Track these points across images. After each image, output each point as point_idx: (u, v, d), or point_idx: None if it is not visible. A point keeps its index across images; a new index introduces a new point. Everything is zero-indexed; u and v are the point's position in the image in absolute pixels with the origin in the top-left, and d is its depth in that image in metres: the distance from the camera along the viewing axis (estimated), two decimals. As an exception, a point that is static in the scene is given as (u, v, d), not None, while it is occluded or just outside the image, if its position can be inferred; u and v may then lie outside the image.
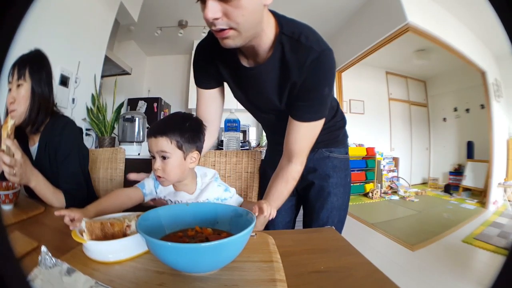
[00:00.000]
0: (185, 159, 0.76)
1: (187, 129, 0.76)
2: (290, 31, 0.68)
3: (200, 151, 0.80)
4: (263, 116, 0.89)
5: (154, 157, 0.77)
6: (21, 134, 0.93)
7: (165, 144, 0.73)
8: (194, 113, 0.88)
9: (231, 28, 0.59)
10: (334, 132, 0.92)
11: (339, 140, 0.95)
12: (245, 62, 0.75)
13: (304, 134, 0.75)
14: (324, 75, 0.70)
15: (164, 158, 0.74)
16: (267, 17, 0.66)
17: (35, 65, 0.91)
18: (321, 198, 0.91)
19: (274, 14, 0.70)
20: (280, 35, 0.68)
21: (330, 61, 0.69)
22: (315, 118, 0.73)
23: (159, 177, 0.76)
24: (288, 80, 0.71)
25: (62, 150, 0.92)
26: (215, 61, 0.80)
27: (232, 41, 0.62)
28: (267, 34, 0.68)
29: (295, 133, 0.75)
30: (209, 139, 0.95)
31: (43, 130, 0.94)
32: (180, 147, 0.74)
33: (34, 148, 0.95)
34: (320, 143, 0.86)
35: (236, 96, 0.87)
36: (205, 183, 0.82)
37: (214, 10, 0.56)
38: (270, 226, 0.90)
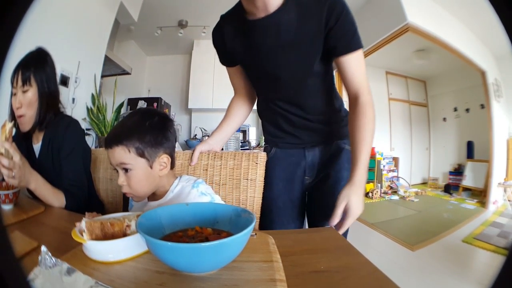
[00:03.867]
0: (151, 167, 0.64)
1: (146, 130, 0.64)
2: None
3: (170, 153, 0.68)
4: (284, 88, 0.82)
5: (117, 170, 0.65)
6: (24, 133, 0.94)
7: (123, 154, 0.61)
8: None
9: None
10: (346, 127, 0.88)
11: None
12: (254, 16, 0.71)
13: (358, 66, 0.74)
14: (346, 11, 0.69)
15: (126, 170, 0.63)
16: None
17: (39, 66, 0.91)
18: (335, 191, 0.81)
19: None
20: None
21: None
22: (359, 43, 0.72)
23: (126, 193, 0.65)
24: (313, 26, 0.69)
25: (65, 149, 0.92)
26: (228, 41, 0.79)
27: None
28: None
29: (350, 69, 0.73)
30: (243, 108, 0.95)
31: (47, 128, 0.94)
32: (141, 155, 0.62)
33: (37, 146, 0.95)
34: (336, 136, 0.88)
35: (252, 71, 0.86)
36: (179, 188, 0.69)
37: None
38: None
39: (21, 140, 0.94)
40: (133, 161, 0.62)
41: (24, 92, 0.88)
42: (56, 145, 0.92)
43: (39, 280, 0.31)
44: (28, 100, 0.88)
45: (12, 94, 0.89)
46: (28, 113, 0.89)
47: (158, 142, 0.65)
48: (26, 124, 0.90)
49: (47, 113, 0.92)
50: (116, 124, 0.68)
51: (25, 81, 0.87)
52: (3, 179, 0.75)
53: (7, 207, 0.75)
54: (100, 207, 1.08)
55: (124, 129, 0.65)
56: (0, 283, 0.20)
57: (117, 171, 0.65)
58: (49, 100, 0.92)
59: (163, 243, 0.35)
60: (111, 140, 0.63)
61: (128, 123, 0.67)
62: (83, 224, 0.46)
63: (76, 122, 0.99)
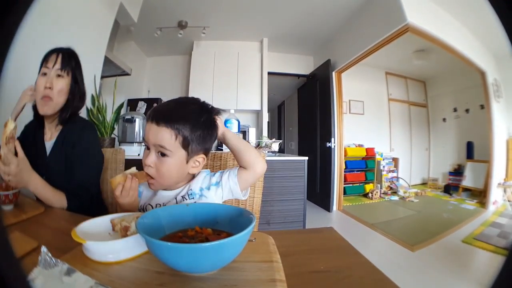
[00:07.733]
0: (187, 162, 0.61)
1: (200, 125, 0.60)
2: None
3: (207, 154, 0.65)
4: None
5: (148, 148, 0.60)
6: (38, 126, 0.95)
7: (168, 138, 0.57)
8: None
9: None
10: None
11: None
12: None
13: None
14: None
15: (162, 155, 0.58)
16: None
17: (79, 63, 0.95)
18: None
19: None
20: None
21: None
22: None
23: (149, 177, 0.60)
24: None
25: (78, 149, 0.91)
26: None
27: None
28: None
29: None
30: None
31: (63, 127, 0.95)
32: (185, 146, 0.59)
33: (50, 143, 0.95)
34: None
35: None
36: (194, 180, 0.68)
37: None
38: None
39: (34, 130, 0.95)
40: (174, 149, 0.58)
41: (58, 76, 0.88)
42: (70, 145, 0.91)
43: (39, 281, 0.31)
44: (59, 87, 0.88)
45: (41, 73, 0.88)
46: (57, 100, 0.89)
47: (204, 141, 0.61)
48: (50, 108, 0.88)
49: (74, 108, 0.94)
50: (169, 102, 0.63)
51: (64, 67, 0.88)
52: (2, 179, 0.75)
53: (7, 207, 0.75)
54: (103, 209, 1.08)
55: (181, 113, 0.59)
56: (0, 283, 0.20)
57: (147, 148, 0.60)
58: (81, 97, 0.95)
59: (163, 243, 0.35)
60: (162, 117, 0.57)
61: (184, 110, 0.60)
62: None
63: (92, 125, 1.00)
